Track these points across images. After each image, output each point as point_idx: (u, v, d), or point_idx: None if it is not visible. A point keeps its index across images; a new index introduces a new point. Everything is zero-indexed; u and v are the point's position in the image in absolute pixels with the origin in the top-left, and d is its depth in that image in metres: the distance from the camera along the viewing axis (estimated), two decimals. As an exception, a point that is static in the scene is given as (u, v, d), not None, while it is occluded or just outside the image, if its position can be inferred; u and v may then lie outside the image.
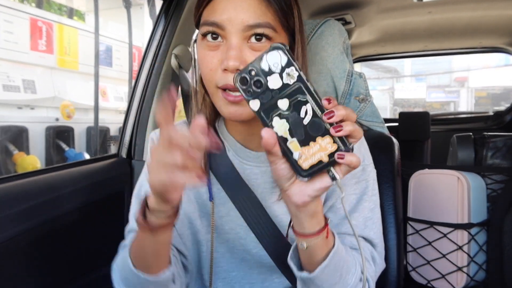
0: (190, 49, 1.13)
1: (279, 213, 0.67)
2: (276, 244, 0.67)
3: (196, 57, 0.64)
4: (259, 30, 0.56)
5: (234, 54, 0.55)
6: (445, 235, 1.23)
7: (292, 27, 0.61)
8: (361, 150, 0.69)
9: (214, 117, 0.68)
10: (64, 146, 3.97)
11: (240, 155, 0.69)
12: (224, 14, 0.56)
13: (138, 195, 0.72)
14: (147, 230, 0.52)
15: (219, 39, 0.58)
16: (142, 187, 0.73)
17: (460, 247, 1.20)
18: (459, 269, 1.20)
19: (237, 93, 0.57)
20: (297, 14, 0.61)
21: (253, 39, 0.57)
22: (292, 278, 0.68)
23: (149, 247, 0.54)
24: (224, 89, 0.58)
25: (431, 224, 1.25)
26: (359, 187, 0.67)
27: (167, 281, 0.58)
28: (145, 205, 0.51)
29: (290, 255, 0.57)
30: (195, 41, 0.64)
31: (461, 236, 1.21)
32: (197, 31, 0.64)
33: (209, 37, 0.58)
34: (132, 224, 0.70)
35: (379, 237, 0.68)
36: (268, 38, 0.57)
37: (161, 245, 0.55)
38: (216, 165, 0.68)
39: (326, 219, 0.54)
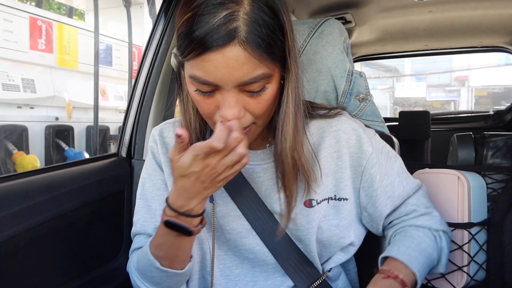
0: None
1: (284, 208, 0.67)
2: (278, 242, 0.67)
3: (180, 72, 0.63)
4: (254, 87, 0.54)
5: (232, 109, 0.54)
6: (445, 235, 1.23)
7: (282, 53, 0.56)
8: (365, 130, 0.72)
9: (203, 120, 0.67)
10: (63, 145, 3.97)
11: None
12: (217, 75, 0.53)
13: (143, 197, 0.74)
14: (176, 236, 0.58)
15: (212, 88, 0.55)
16: (144, 186, 0.75)
17: (460, 247, 1.20)
18: (459, 268, 1.20)
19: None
20: (290, 42, 0.56)
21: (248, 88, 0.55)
22: (294, 276, 0.68)
23: (175, 248, 0.61)
24: None
25: (431, 223, 1.25)
26: (384, 154, 0.72)
27: (190, 272, 0.66)
28: (171, 213, 0.57)
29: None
30: (182, 64, 0.60)
31: (461, 236, 1.21)
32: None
33: (200, 88, 0.56)
34: (139, 227, 0.72)
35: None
36: (264, 88, 0.56)
37: (186, 246, 0.62)
38: None
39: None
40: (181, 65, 0.62)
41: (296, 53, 0.59)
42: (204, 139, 0.68)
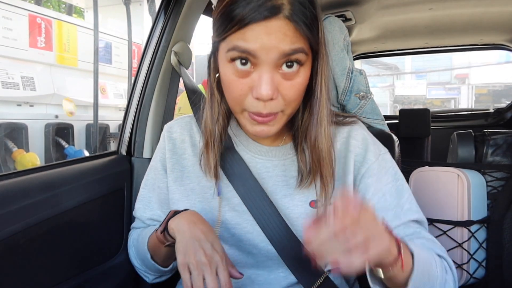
0: (190, 46, 1.12)
1: (290, 205, 0.68)
2: (283, 238, 0.67)
3: (211, 63, 0.64)
4: (293, 57, 0.56)
5: (268, 86, 0.56)
6: (444, 232, 1.23)
7: (317, 42, 0.59)
8: (375, 143, 0.71)
9: (227, 116, 0.69)
10: (63, 143, 3.97)
11: (252, 150, 0.70)
12: (258, 42, 0.55)
13: (145, 187, 0.79)
14: (164, 245, 0.66)
15: (249, 65, 0.57)
16: (148, 176, 0.79)
17: (460, 245, 1.21)
18: (459, 266, 1.21)
19: (267, 112, 0.58)
20: (322, 30, 0.60)
21: (284, 66, 0.57)
22: (297, 272, 0.68)
23: (164, 251, 0.68)
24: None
25: (431, 221, 1.25)
26: (390, 175, 0.69)
27: (175, 269, 0.73)
28: (166, 230, 0.64)
29: (373, 283, 0.56)
30: (214, 52, 0.62)
31: (461, 234, 1.21)
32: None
33: (238, 62, 0.57)
34: (138, 213, 0.80)
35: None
36: (300, 63, 0.57)
37: (173, 251, 0.66)
38: (224, 160, 0.69)
39: (399, 254, 0.52)
40: (213, 53, 0.63)
41: (327, 55, 0.62)
42: (225, 135, 0.69)
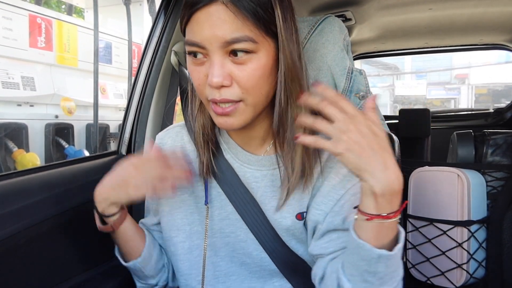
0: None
1: (278, 217, 0.67)
2: (276, 246, 0.67)
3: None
4: (238, 46, 0.55)
5: (216, 72, 0.55)
6: (444, 232, 1.23)
7: (271, 29, 0.57)
8: None
9: (212, 121, 0.68)
10: (63, 143, 3.96)
11: (241, 159, 0.69)
12: (202, 34, 0.55)
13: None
14: (109, 230, 0.71)
15: (202, 55, 0.57)
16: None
17: (460, 244, 1.21)
18: (459, 266, 1.21)
19: (226, 105, 0.58)
20: (280, 16, 0.57)
21: (234, 54, 0.56)
22: (292, 280, 0.68)
23: (117, 241, 0.73)
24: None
25: (431, 221, 1.25)
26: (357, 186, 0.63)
27: (139, 269, 0.73)
28: (99, 215, 0.71)
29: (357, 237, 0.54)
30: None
31: (460, 233, 1.21)
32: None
33: (193, 54, 0.58)
34: (144, 220, 0.81)
35: None
36: (249, 51, 0.56)
37: (124, 239, 0.72)
38: (214, 167, 0.68)
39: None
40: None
41: (293, 36, 0.59)
42: (214, 136, 0.69)
